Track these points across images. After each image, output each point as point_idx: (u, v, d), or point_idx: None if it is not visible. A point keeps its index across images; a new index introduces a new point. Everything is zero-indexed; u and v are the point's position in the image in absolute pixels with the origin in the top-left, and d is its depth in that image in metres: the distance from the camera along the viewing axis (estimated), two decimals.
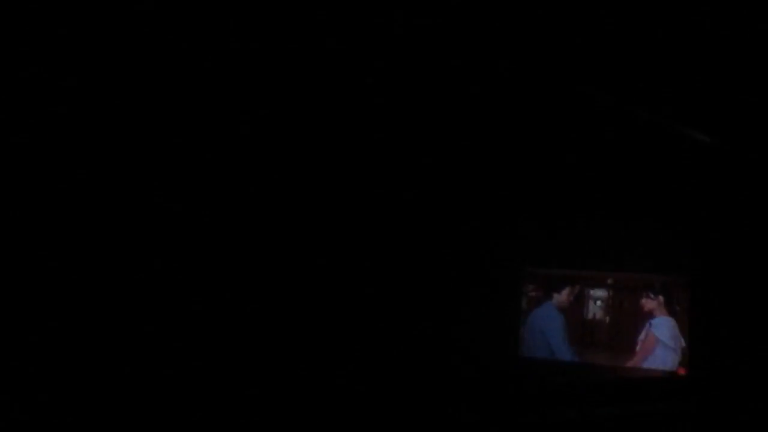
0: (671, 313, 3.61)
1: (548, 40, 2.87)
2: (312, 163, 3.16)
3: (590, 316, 3.73)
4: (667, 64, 3.00)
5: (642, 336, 3.62)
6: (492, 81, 3.07)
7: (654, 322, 3.64)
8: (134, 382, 2.66)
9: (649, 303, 3.69)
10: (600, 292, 3.70)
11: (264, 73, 2.86)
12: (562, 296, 3.83)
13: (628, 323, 3.66)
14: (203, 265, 2.92)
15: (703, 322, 3.45)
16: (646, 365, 3.61)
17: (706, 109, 3.27)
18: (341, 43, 2.77)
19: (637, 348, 3.62)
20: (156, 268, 2.79)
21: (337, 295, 3.18)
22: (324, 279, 3.17)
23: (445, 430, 3.00)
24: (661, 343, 3.62)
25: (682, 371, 3.46)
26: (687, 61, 2.95)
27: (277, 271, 3.07)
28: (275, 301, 3.04)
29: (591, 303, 3.71)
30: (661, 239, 3.60)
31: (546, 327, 3.80)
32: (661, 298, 3.66)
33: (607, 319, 3.73)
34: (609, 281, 3.75)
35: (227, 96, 2.86)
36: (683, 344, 3.55)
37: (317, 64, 2.86)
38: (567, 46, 2.90)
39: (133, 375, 2.66)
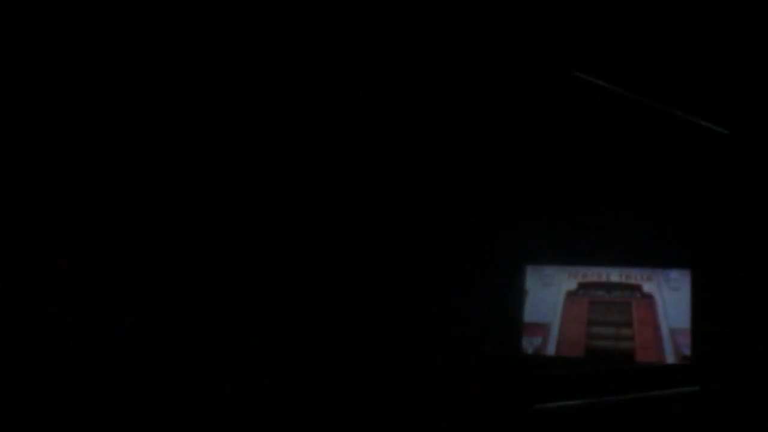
0: None
1: (546, 29, 2.86)
2: (312, 161, 3.22)
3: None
4: (668, 53, 2.94)
5: None
6: (491, 74, 3.07)
7: None
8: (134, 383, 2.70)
9: None
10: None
11: (256, 72, 2.93)
12: None
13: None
14: (202, 264, 2.98)
15: (706, 311, 3.42)
16: None
17: (709, 97, 3.22)
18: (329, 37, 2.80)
19: None
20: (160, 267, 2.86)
21: (335, 291, 3.22)
22: (323, 275, 3.21)
23: (448, 424, 2.99)
24: None
25: (685, 360, 3.43)
26: (689, 49, 2.90)
27: (277, 266, 3.11)
28: (277, 295, 3.09)
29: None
30: (661, 232, 3.58)
31: None
32: None
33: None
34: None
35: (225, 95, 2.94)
36: None
37: (306, 60, 2.92)
38: (564, 35, 2.88)
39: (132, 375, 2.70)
